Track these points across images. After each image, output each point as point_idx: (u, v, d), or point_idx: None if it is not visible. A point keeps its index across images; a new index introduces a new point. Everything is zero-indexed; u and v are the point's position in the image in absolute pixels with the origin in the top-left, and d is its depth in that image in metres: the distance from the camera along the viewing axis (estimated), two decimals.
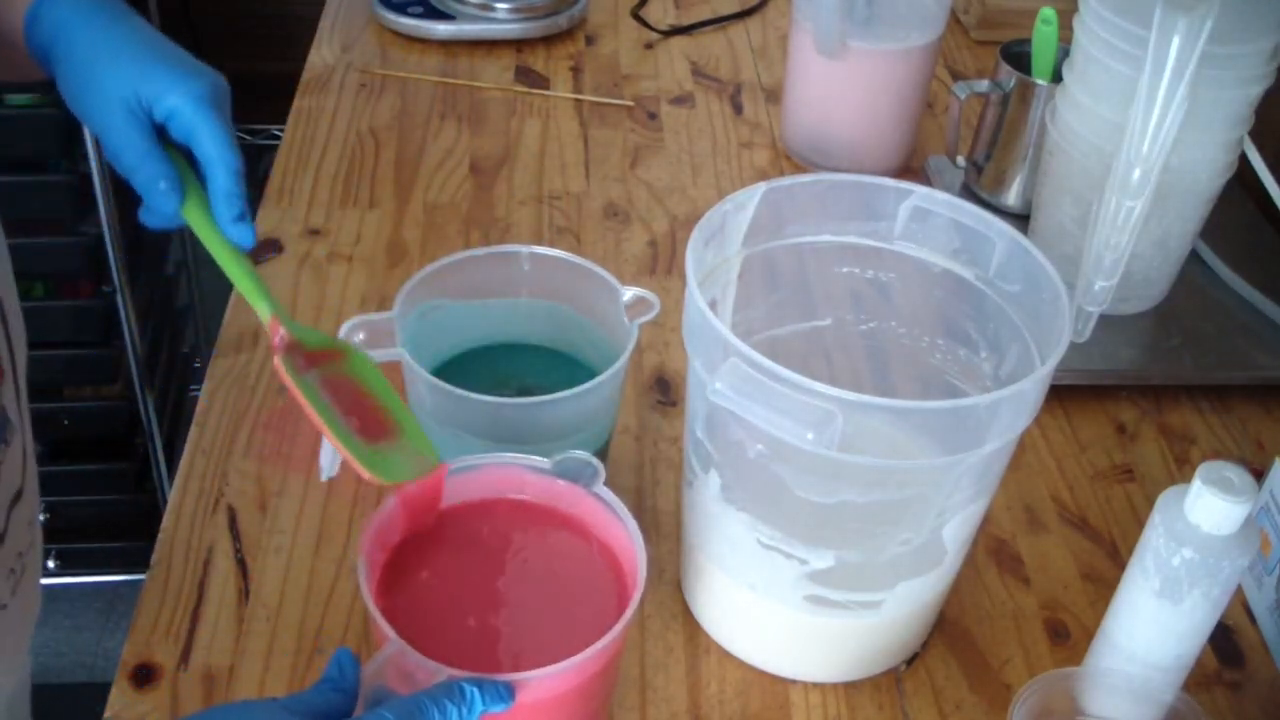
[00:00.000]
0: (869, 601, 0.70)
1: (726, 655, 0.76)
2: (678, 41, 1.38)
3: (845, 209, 0.74)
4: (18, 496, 0.69)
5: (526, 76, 1.30)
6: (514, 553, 0.68)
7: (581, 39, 1.38)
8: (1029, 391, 0.61)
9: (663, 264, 1.06)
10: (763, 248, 0.74)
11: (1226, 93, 0.86)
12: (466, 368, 0.81)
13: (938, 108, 1.27)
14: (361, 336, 0.72)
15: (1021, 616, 0.79)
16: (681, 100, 1.28)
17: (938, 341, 0.77)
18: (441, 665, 0.57)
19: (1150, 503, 0.66)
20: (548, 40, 1.36)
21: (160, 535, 0.81)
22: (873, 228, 0.74)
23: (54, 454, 1.72)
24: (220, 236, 0.65)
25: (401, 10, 1.34)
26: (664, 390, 0.94)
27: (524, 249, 0.81)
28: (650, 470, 0.87)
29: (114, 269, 1.57)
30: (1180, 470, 0.90)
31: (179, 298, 1.93)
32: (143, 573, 0.79)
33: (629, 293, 0.77)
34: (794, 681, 0.75)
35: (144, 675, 0.73)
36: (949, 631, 0.78)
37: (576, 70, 1.32)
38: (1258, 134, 0.91)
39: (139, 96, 0.63)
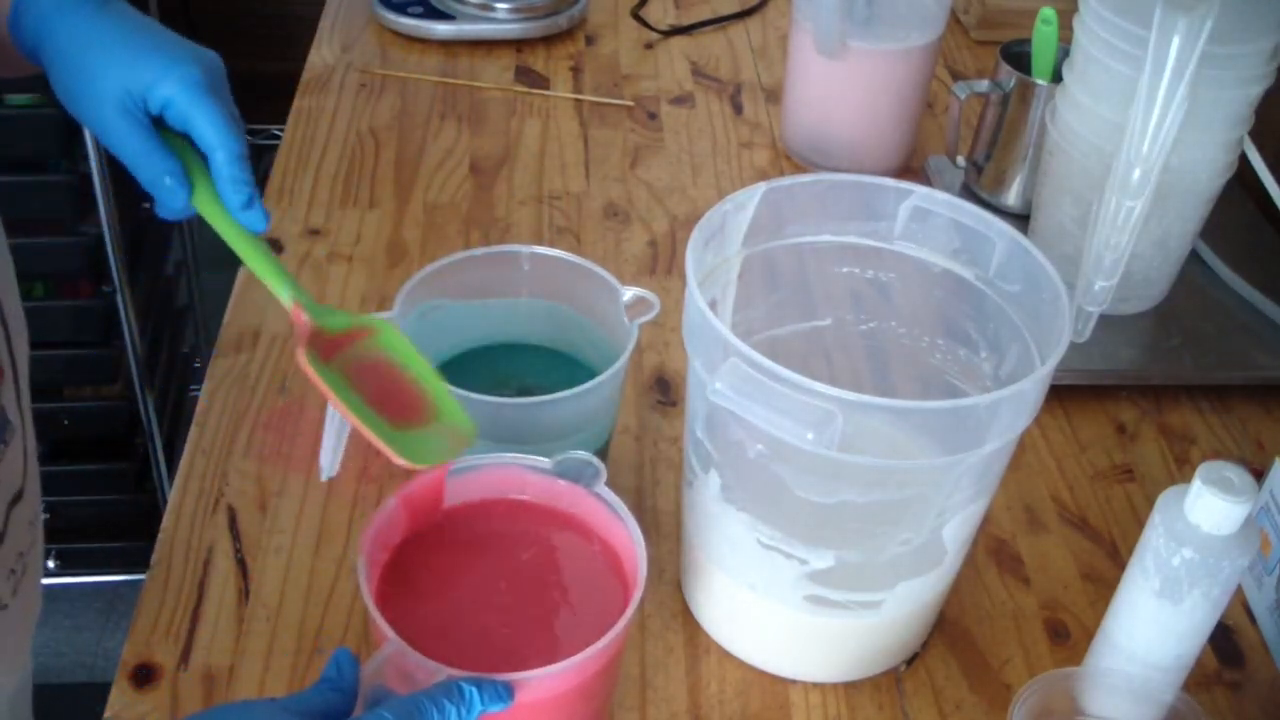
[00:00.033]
0: (869, 601, 0.70)
1: (726, 655, 0.76)
2: (678, 41, 1.38)
3: (845, 209, 0.74)
4: (18, 497, 0.69)
5: (526, 76, 1.30)
6: (515, 553, 0.68)
7: (581, 39, 1.38)
8: (1029, 391, 0.61)
9: (663, 264, 1.06)
10: (763, 248, 0.74)
11: (1226, 93, 0.86)
12: (466, 368, 0.81)
13: (938, 108, 1.27)
14: None
15: (1021, 616, 0.79)
16: (681, 100, 1.28)
17: (938, 341, 0.77)
18: (441, 665, 0.57)
19: (1150, 503, 0.66)
20: (548, 40, 1.36)
21: (160, 535, 0.81)
22: (873, 228, 0.74)
23: (54, 454, 1.72)
24: (233, 223, 0.63)
25: (401, 10, 1.34)
26: (664, 390, 0.94)
27: (524, 249, 0.81)
28: (650, 470, 0.87)
29: (114, 269, 1.57)
30: (1180, 470, 0.90)
31: (179, 298, 1.93)
32: (143, 573, 0.79)
33: (629, 293, 0.77)
34: (794, 681, 0.75)
35: (144, 675, 0.73)
36: (949, 631, 0.78)
37: (576, 70, 1.32)
38: (1258, 134, 0.91)
39: (130, 90, 0.61)
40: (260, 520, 0.82)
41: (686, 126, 1.24)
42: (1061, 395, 0.94)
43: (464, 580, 0.67)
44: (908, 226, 0.74)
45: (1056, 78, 0.99)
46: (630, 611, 0.61)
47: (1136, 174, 0.81)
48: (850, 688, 0.75)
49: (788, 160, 1.20)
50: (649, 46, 1.37)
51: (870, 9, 1.11)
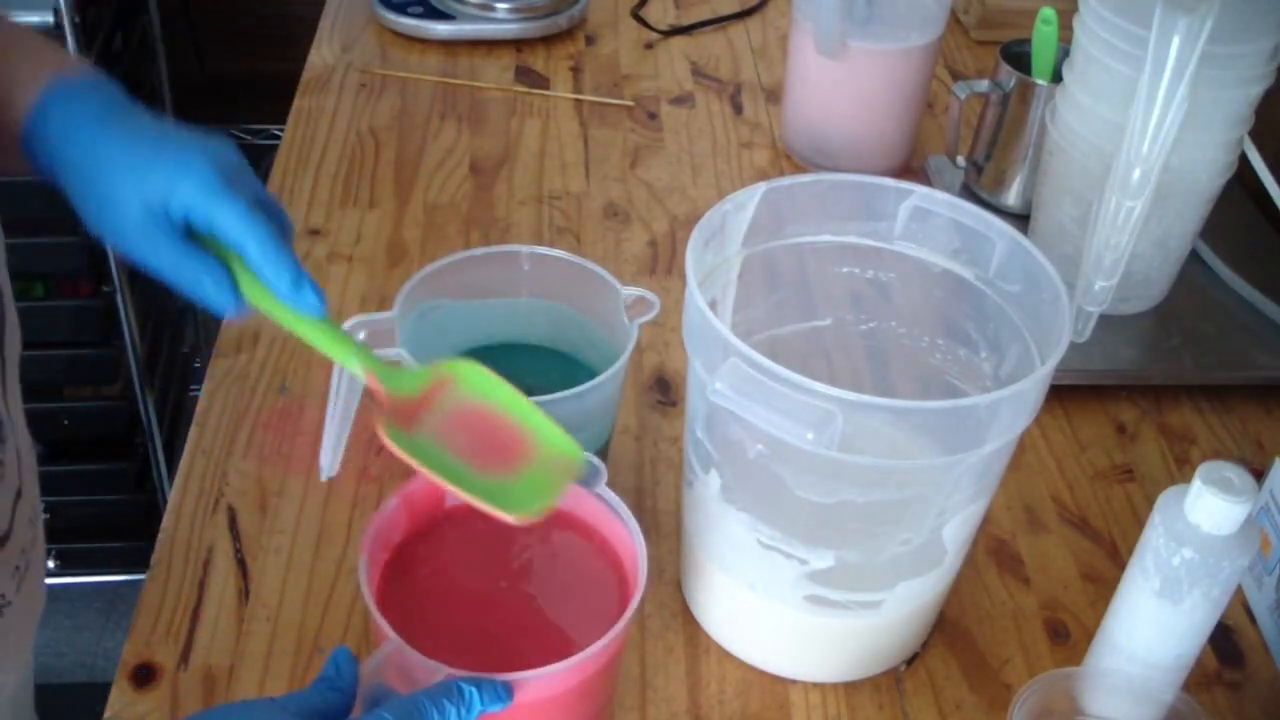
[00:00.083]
0: (869, 601, 0.70)
1: (726, 655, 0.76)
2: (678, 41, 1.38)
3: (845, 209, 0.74)
4: (19, 494, 0.69)
5: (526, 76, 1.30)
6: (515, 552, 0.68)
7: (581, 39, 1.38)
8: (1029, 391, 0.61)
9: (663, 264, 1.06)
10: (763, 248, 0.74)
11: (1226, 93, 0.86)
12: None
13: (938, 108, 1.27)
14: (361, 336, 0.72)
15: (1021, 616, 0.79)
16: (681, 100, 1.28)
17: (938, 341, 0.77)
18: (440, 664, 0.57)
19: (1150, 503, 0.66)
20: (548, 40, 1.36)
21: (160, 535, 0.81)
22: (873, 228, 0.74)
23: (54, 454, 1.72)
24: (287, 310, 0.61)
25: (401, 10, 1.34)
26: (664, 390, 0.94)
27: (524, 249, 0.81)
28: (650, 470, 0.87)
29: (114, 269, 1.58)
30: (1180, 470, 0.90)
31: (179, 298, 1.93)
32: (143, 573, 0.79)
33: (629, 293, 0.77)
34: (794, 681, 0.75)
35: (144, 675, 0.73)
36: (949, 631, 0.78)
37: (576, 70, 1.32)
38: (1258, 134, 0.91)
39: (148, 205, 0.59)
40: (260, 520, 0.82)
41: (686, 126, 1.24)
42: (1061, 395, 0.94)
43: (464, 580, 0.67)
44: (908, 226, 0.74)
45: (1056, 78, 0.99)
46: (630, 612, 0.61)
47: (1136, 174, 0.81)
48: (850, 688, 0.75)
49: (788, 160, 1.20)
50: (649, 46, 1.37)
51: (870, 9, 1.11)
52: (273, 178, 1.13)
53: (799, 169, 1.18)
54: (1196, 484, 0.62)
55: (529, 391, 0.78)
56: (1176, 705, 0.67)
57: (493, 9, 1.34)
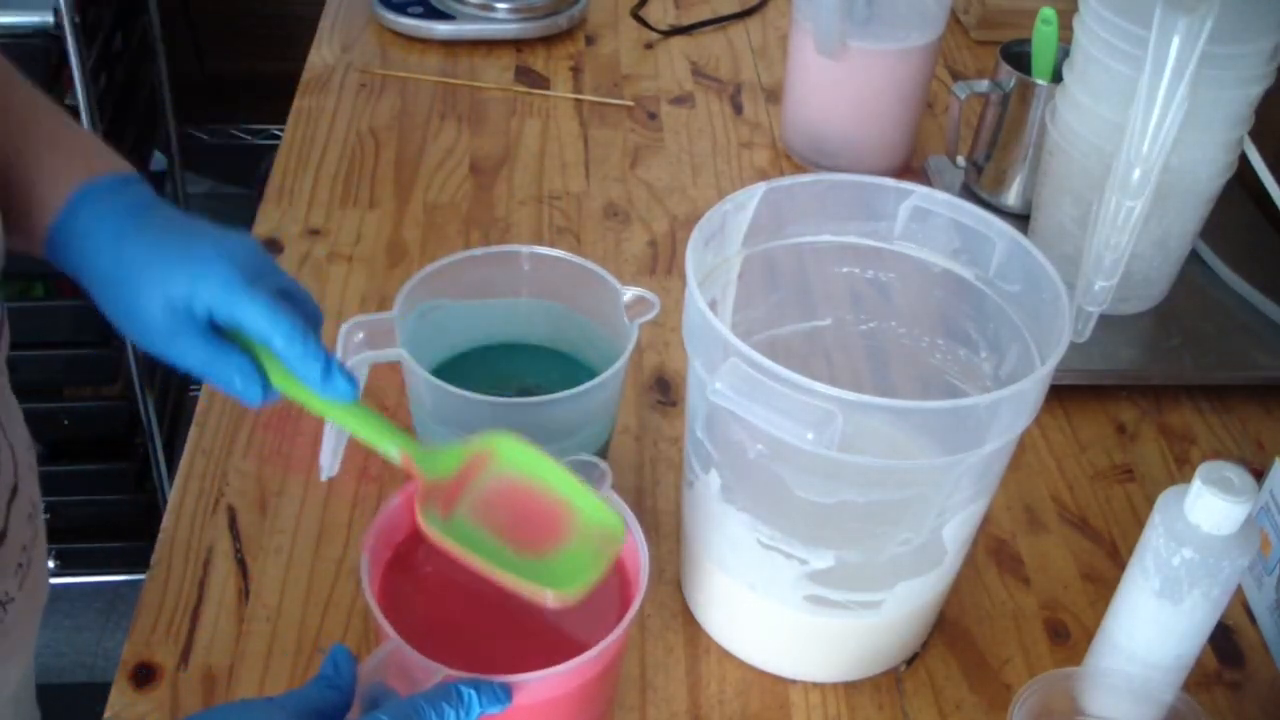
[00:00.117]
0: (869, 601, 0.70)
1: (726, 655, 0.76)
2: (678, 41, 1.38)
3: (845, 209, 0.74)
4: (14, 492, 0.69)
5: (526, 76, 1.30)
6: None
7: (581, 39, 1.38)
8: (1029, 391, 0.61)
9: (663, 264, 1.06)
10: (763, 248, 0.74)
11: (1226, 93, 0.86)
12: (466, 368, 0.81)
13: (938, 108, 1.27)
14: (361, 336, 0.72)
15: (1021, 616, 0.79)
16: (681, 100, 1.28)
17: (938, 341, 0.77)
18: (439, 665, 0.57)
19: (1150, 503, 0.66)
20: (548, 40, 1.36)
21: (160, 535, 0.81)
22: (873, 228, 0.74)
23: (54, 454, 1.72)
24: (317, 397, 0.61)
25: (401, 10, 1.34)
26: (664, 390, 0.94)
27: (524, 249, 0.81)
28: (650, 470, 0.87)
29: None
30: (1180, 470, 0.90)
31: None
32: (143, 573, 0.79)
33: (629, 293, 0.77)
34: (794, 681, 0.75)
35: (144, 675, 0.73)
36: (949, 631, 0.78)
37: (576, 70, 1.32)
38: (1258, 134, 0.91)
39: (172, 307, 0.60)
40: (260, 520, 0.82)
41: (686, 126, 1.24)
42: (1061, 395, 0.94)
43: (466, 580, 0.67)
44: (908, 226, 0.74)
45: (1056, 78, 0.99)
46: (629, 617, 0.61)
47: (1136, 174, 0.81)
48: (850, 688, 0.75)
49: (788, 160, 1.20)
50: (649, 46, 1.37)
51: (870, 9, 1.11)
52: (273, 178, 1.13)
53: (799, 169, 1.18)
54: (1196, 484, 0.62)
55: (529, 391, 0.78)
56: (1176, 705, 0.67)
57: (493, 9, 1.34)
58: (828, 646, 0.74)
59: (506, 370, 0.82)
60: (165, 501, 1.05)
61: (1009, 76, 1.04)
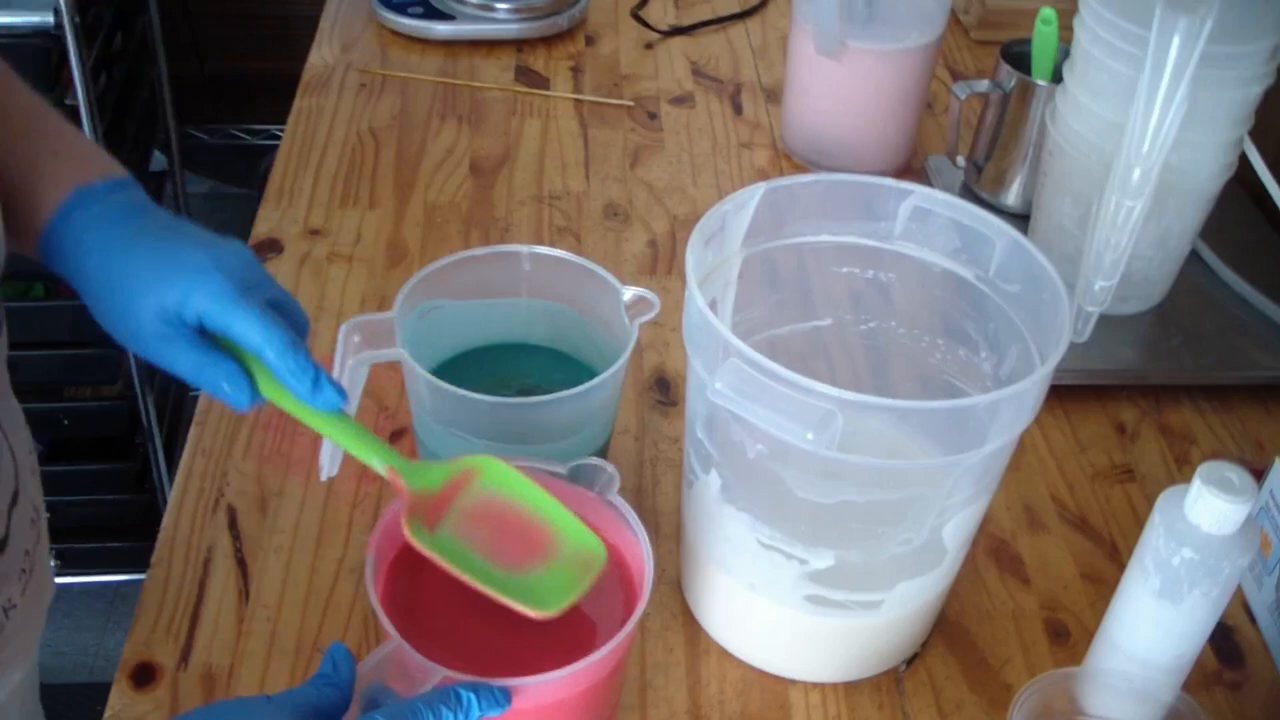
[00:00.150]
0: (869, 601, 0.70)
1: (726, 655, 0.76)
2: (678, 41, 1.38)
3: (845, 209, 0.74)
4: (15, 497, 0.69)
5: (526, 76, 1.30)
6: None
7: (581, 39, 1.38)
8: (1029, 391, 0.61)
9: (663, 264, 1.06)
10: (763, 248, 0.74)
11: (1226, 93, 0.86)
12: (466, 368, 0.81)
13: (938, 108, 1.27)
14: (361, 336, 0.72)
15: (1021, 616, 0.79)
16: (681, 100, 1.28)
17: (938, 341, 0.77)
18: (437, 665, 0.57)
19: (1150, 503, 0.66)
20: (548, 40, 1.36)
21: (160, 535, 0.81)
22: (873, 228, 0.74)
23: (54, 454, 1.72)
24: (305, 407, 0.62)
25: (401, 10, 1.34)
26: (664, 390, 0.94)
27: (524, 249, 0.81)
28: (650, 470, 0.87)
29: None
30: (1180, 470, 0.90)
31: None
32: (143, 573, 0.79)
33: (629, 293, 0.77)
34: (794, 681, 0.75)
35: (144, 675, 0.73)
36: (949, 631, 0.78)
37: (576, 70, 1.32)
38: (1258, 134, 0.91)
39: (164, 314, 0.61)
40: (260, 520, 0.82)
41: (686, 126, 1.24)
42: (1061, 395, 0.94)
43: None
44: (908, 226, 0.74)
45: (1056, 78, 0.99)
46: (632, 623, 0.61)
47: (1136, 174, 0.81)
48: (850, 688, 0.75)
49: (788, 160, 1.20)
50: (649, 46, 1.37)
51: (870, 9, 1.11)
52: (273, 178, 1.13)
53: (799, 169, 1.18)
54: (1196, 484, 0.62)
55: (529, 391, 0.78)
56: (1176, 705, 0.67)
57: (493, 9, 1.34)
58: (827, 646, 0.74)
59: (506, 370, 0.82)
60: (165, 501, 1.05)
61: (1009, 76, 1.04)
